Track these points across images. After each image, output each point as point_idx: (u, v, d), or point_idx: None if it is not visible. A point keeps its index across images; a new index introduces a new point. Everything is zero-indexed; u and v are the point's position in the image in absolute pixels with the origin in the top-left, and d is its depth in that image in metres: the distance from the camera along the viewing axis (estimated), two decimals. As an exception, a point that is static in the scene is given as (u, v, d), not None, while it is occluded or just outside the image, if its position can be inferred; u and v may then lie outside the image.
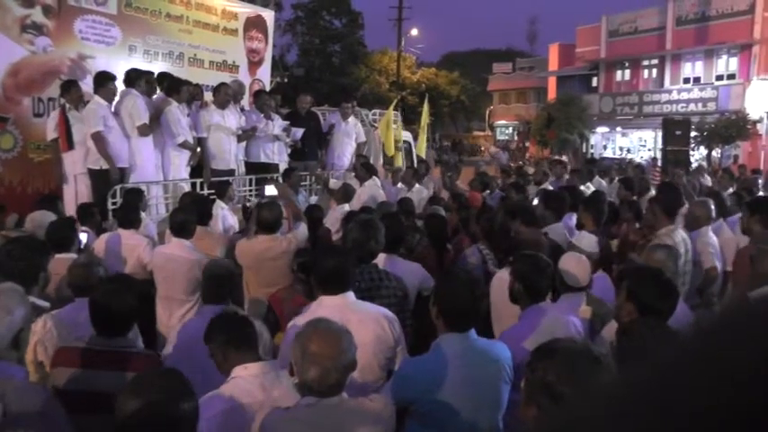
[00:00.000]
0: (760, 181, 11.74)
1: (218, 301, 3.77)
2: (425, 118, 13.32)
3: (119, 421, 1.88)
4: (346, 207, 6.97)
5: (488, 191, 9.39)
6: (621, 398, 0.44)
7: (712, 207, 5.60)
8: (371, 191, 8.13)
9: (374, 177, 8.65)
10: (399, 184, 9.50)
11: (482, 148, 44.87)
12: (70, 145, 7.49)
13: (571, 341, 1.88)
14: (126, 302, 2.98)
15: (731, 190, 8.81)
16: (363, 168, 8.81)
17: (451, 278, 3.06)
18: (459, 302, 2.85)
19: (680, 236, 4.85)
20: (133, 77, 7.82)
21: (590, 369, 1.76)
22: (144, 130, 7.58)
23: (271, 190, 6.02)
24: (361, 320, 3.15)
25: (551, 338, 2.02)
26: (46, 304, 3.41)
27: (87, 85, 7.88)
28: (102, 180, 7.25)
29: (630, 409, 0.42)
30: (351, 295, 3.32)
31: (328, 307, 3.17)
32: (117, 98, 7.61)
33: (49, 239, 4.52)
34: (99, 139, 7.20)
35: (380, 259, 4.18)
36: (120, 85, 7.75)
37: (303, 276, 4.31)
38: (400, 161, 11.29)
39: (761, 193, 9.34)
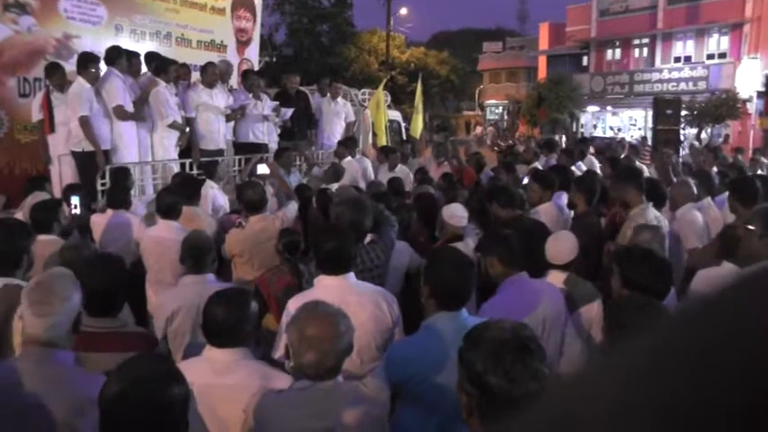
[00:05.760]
0: (739, 157, 11.78)
1: (198, 272, 3.77)
2: (419, 97, 13.20)
3: (103, 407, 1.83)
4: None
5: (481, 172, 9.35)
6: (613, 392, 0.40)
7: (693, 186, 5.58)
8: (349, 167, 8.22)
9: (359, 156, 8.71)
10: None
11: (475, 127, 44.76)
12: (52, 128, 7.40)
13: (501, 328, 1.87)
14: (107, 280, 2.92)
15: (715, 169, 8.79)
16: (341, 146, 8.89)
17: (442, 258, 3.00)
18: (450, 282, 2.80)
19: (652, 214, 4.82)
20: (113, 56, 7.61)
21: (517, 358, 1.77)
22: (119, 113, 7.40)
23: (263, 168, 6.01)
24: (360, 301, 3.14)
25: (501, 318, 2.02)
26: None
27: (73, 65, 7.67)
28: (86, 162, 7.14)
29: (622, 406, 0.38)
30: (351, 276, 3.30)
31: (327, 287, 3.15)
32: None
33: (31, 219, 4.47)
34: (85, 123, 7.06)
35: (368, 239, 4.18)
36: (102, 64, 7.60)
37: (289, 256, 4.29)
38: (384, 141, 11.18)
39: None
